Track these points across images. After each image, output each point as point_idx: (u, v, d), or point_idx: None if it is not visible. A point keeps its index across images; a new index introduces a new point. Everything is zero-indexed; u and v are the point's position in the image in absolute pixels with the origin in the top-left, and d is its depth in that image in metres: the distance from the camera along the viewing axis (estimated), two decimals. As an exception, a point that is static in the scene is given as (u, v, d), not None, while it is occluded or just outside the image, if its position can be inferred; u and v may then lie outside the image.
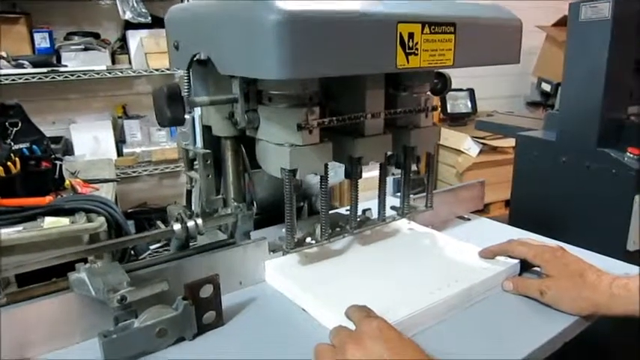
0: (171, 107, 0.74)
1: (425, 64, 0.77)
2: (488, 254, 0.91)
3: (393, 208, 1.03)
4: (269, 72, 0.65)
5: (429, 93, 0.96)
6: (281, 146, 0.79)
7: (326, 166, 0.84)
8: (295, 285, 0.83)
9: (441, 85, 0.99)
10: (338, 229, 0.94)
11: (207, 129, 0.94)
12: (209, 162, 0.89)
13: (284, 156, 0.79)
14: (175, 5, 0.91)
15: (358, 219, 0.96)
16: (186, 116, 0.92)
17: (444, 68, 0.83)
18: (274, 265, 0.88)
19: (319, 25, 0.65)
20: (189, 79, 0.91)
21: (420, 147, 0.97)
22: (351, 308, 0.71)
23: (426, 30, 0.76)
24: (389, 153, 0.95)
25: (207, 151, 0.90)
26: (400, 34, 0.73)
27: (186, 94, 0.85)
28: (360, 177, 0.91)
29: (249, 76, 0.77)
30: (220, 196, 0.91)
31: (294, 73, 0.65)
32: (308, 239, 0.88)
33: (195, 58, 0.82)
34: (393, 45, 0.72)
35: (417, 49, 0.75)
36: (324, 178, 0.86)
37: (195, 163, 0.96)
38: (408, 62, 0.75)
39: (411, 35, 0.74)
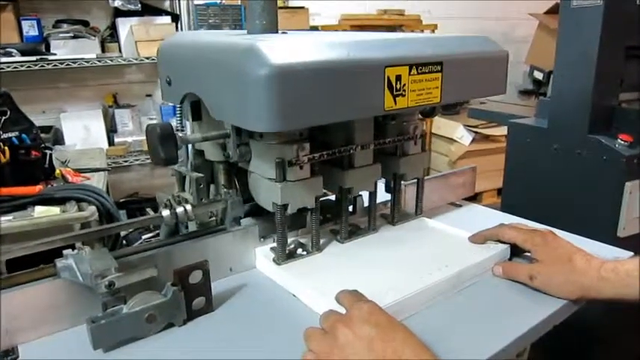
0: (164, 147, 0.75)
1: (412, 103, 0.78)
2: (478, 239, 0.91)
3: (382, 216, 1.04)
4: (259, 125, 0.66)
5: (417, 120, 0.97)
6: (272, 181, 0.80)
7: (317, 198, 0.84)
8: (286, 271, 0.83)
9: (430, 108, 0.99)
10: (328, 215, 0.94)
11: (199, 152, 0.94)
12: (202, 186, 0.89)
13: (275, 191, 0.79)
14: (167, 40, 0.91)
15: (349, 228, 0.96)
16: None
17: (430, 105, 0.83)
18: (265, 252, 0.87)
19: (308, 77, 0.65)
20: (181, 113, 0.91)
21: (408, 174, 0.98)
22: (341, 293, 0.71)
23: (414, 71, 0.76)
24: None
25: (201, 175, 0.90)
26: (388, 77, 0.73)
27: (179, 127, 0.86)
28: (351, 204, 0.94)
29: (240, 127, 0.77)
30: (213, 219, 0.91)
31: (284, 126, 0.66)
32: (299, 250, 0.88)
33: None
34: (381, 89, 0.73)
35: (404, 90, 0.76)
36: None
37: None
38: (395, 104, 0.76)
39: (398, 77, 0.75)
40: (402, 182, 1.02)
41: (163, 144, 0.75)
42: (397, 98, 0.75)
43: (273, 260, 0.86)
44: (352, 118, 0.81)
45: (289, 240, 0.87)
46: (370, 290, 0.71)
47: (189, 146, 0.94)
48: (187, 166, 0.97)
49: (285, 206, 0.81)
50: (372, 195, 0.96)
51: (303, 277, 0.80)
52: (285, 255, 0.85)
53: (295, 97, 0.64)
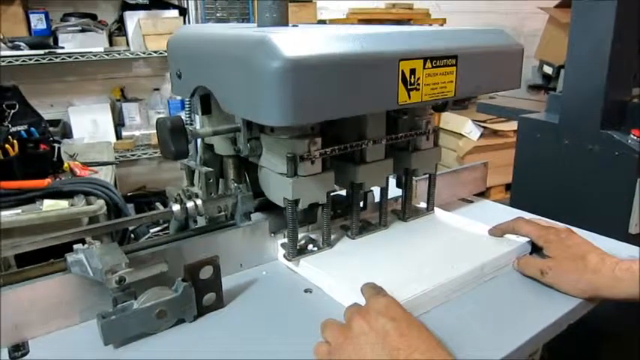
0: (175, 141, 0.74)
1: (426, 98, 0.76)
2: (496, 232, 0.91)
3: (393, 212, 1.03)
4: (271, 119, 0.65)
5: (430, 114, 0.96)
6: (283, 176, 0.79)
7: (328, 194, 0.84)
8: (314, 266, 0.82)
9: (442, 102, 0.98)
10: (339, 210, 0.94)
11: (208, 146, 0.93)
12: (211, 180, 0.88)
13: (286, 186, 0.79)
14: (177, 32, 0.91)
15: (360, 224, 0.95)
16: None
17: (445, 100, 0.81)
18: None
19: (321, 70, 0.64)
20: (190, 107, 0.90)
21: (420, 169, 0.97)
22: (364, 286, 0.70)
23: (428, 65, 0.75)
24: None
25: (210, 169, 0.89)
26: (402, 71, 0.72)
27: (188, 121, 0.85)
28: (362, 199, 0.92)
29: (251, 120, 0.76)
30: (223, 213, 0.90)
31: (296, 120, 0.64)
32: (310, 246, 0.88)
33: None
34: (395, 82, 0.72)
35: (418, 84, 0.75)
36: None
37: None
38: (409, 98, 0.74)
39: (412, 71, 0.73)
40: (414, 177, 1.01)
41: (174, 137, 0.74)
42: (411, 92, 0.74)
43: (284, 256, 0.85)
44: (366, 113, 0.79)
45: (300, 236, 0.87)
46: (392, 283, 0.70)
47: (199, 140, 0.94)
48: (196, 160, 0.96)
49: (296, 201, 0.80)
50: (384, 190, 0.95)
51: (327, 271, 0.80)
52: (296, 251, 0.85)
53: (308, 90, 0.63)
